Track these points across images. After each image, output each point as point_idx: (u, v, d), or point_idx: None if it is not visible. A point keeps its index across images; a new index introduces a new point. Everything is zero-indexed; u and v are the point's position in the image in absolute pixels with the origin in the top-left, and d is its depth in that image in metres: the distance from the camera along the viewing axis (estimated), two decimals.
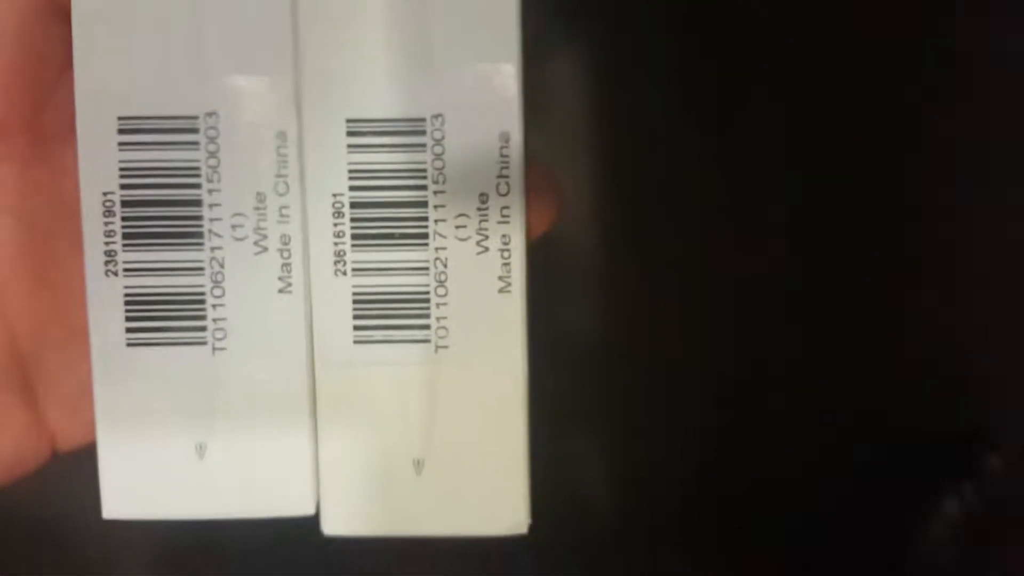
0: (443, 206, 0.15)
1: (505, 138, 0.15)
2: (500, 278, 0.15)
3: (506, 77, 0.15)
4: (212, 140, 0.15)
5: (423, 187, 0.15)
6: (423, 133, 0.15)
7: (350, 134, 0.15)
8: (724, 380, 0.36)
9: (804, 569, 0.37)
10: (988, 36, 0.35)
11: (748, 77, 0.35)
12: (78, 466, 0.16)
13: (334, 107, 0.15)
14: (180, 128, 0.15)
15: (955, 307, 0.35)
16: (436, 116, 0.15)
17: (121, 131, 0.15)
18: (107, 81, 0.15)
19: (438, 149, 0.15)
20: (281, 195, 0.15)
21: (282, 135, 0.15)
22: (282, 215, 0.15)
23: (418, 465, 0.15)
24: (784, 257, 0.36)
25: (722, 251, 0.36)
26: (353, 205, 0.15)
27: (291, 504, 0.15)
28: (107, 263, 0.15)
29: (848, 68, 0.35)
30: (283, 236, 0.15)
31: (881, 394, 0.35)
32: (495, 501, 0.15)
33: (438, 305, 0.15)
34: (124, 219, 0.15)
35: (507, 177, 0.15)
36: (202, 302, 0.15)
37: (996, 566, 0.36)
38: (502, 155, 0.15)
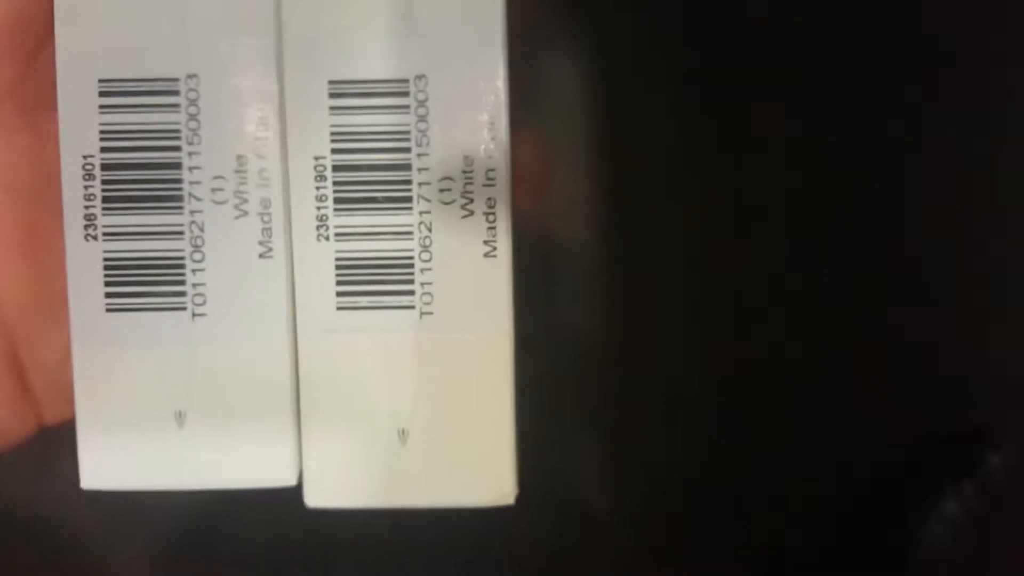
0: (427, 169, 0.15)
1: (490, 100, 0.15)
2: (485, 242, 0.15)
3: (491, 37, 0.15)
4: (193, 103, 0.15)
5: (407, 150, 0.15)
6: (406, 95, 0.15)
7: (332, 95, 0.15)
8: (724, 380, 0.36)
9: (804, 569, 0.36)
10: (988, 36, 0.35)
11: (747, 73, 0.35)
12: (58, 440, 0.16)
13: (316, 68, 0.15)
14: (161, 91, 0.15)
15: (955, 307, 0.35)
16: (419, 77, 0.15)
17: (102, 94, 0.15)
18: (88, 44, 0.15)
19: (421, 111, 0.15)
20: (262, 158, 0.15)
21: (263, 97, 0.15)
22: (263, 178, 0.15)
23: (403, 435, 0.15)
24: (784, 257, 0.35)
25: (721, 249, 0.35)
26: (336, 168, 0.15)
27: (273, 475, 0.15)
28: (87, 227, 0.15)
29: (848, 68, 0.35)
30: (264, 200, 0.15)
31: (881, 394, 0.35)
32: (481, 472, 0.15)
33: (422, 270, 0.15)
34: (104, 183, 0.15)
35: (492, 139, 0.15)
36: (182, 267, 0.15)
37: (996, 566, 0.35)
38: (488, 116, 0.15)
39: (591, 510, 0.36)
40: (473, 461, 0.15)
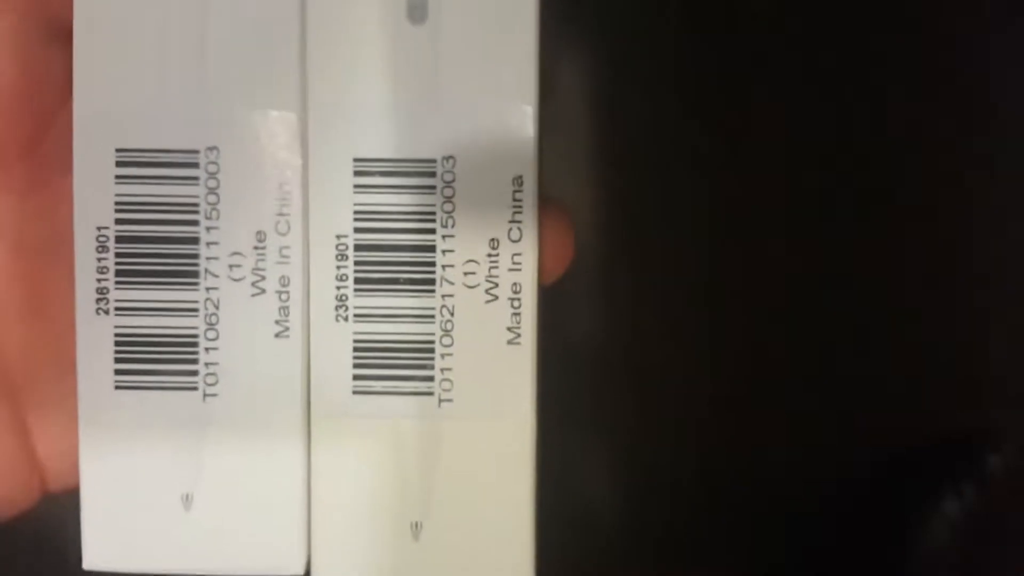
0: (451, 251, 0.14)
1: (519, 181, 0.14)
2: (509, 328, 0.14)
3: (522, 118, 0.14)
4: (212, 175, 0.14)
5: (431, 231, 0.14)
6: (433, 175, 0.14)
7: (357, 173, 0.14)
8: (723, 381, 0.36)
9: (804, 569, 0.36)
10: (988, 36, 0.35)
11: (748, 82, 0.35)
12: (63, 511, 0.15)
13: (341, 145, 0.14)
14: (180, 162, 0.14)
15: (955, 307, 0.35)
16: (447, 157, 0.14)
17: (119, 163, 0.14)
18: (106, 111, 0.14)
19: (448, 192, 0.14)
20: (282, 235, 0.14)
21: (286, 172, 0.14)
22: (282, 255, 0.14)
23: (416, 528, 0.14)
24: (784, 258, 0.36)
25: (721, 252, 0.36)
26: (357, 248, 0.14)
27: (280, 562, 0.14)
28: (98, 301, 0.14)
29: (849, 68, 0.35)
30: (282, 278, 0.14)
31: (881, 394, 0.35)
32: (498, 569, 0.14)
33: (443, 356, 0.14)
34: (118, 255, 0.14)
35: (519, 223, 0.14)
36: (195, 345, 0.14)
37: (996, 566, 0.36)
38: (515, 199, 0.14)
39: (590, 509, 0.36)
40: (489, 558, 0.14)
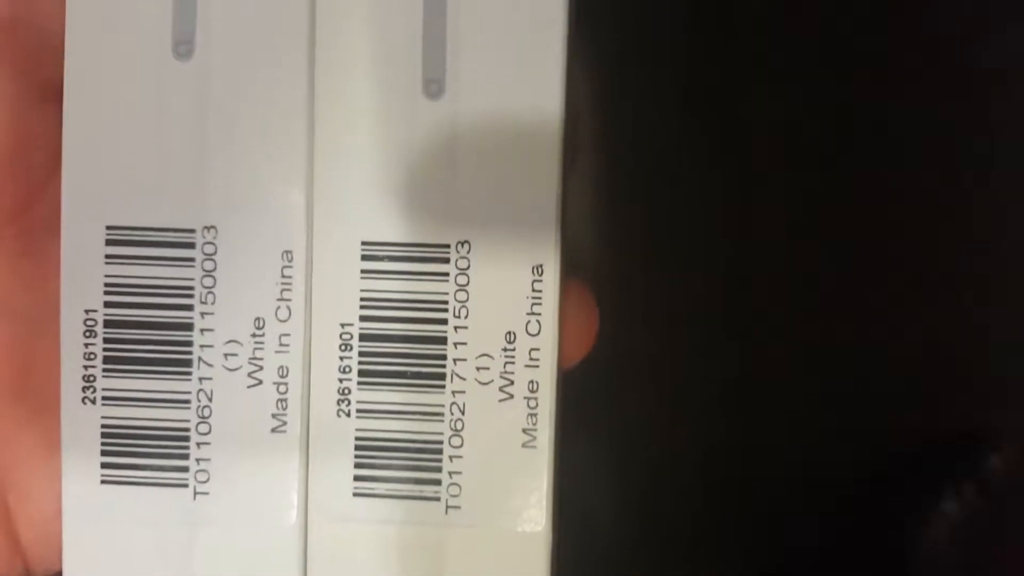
0: (464, 344, 0.13)
1: (539, 270, 0.13)
2: (525, 431, 0.13)
3: (545, 202, 0.13)
4: (209, 257, 0.13)
5: (443, 321, 0.13)
6: (447, 261, 0.13)
7: (365, 258, 0.13)
8: (723, 381, 0.35)
9: (804, 569, 0.36)
10: (988, 36, 0.34)
11: (747, 74, 0.35)
12: None
13: (348, 227, 0.13)
14: (174, 242, 0.13)
15: (955, 307, 0.35)
16: (462, 243, 0.13)
17: (109, 242, 0.13)
18: (97, 184, 0.13)
19: (462, 279, 0.13)
20: (282, 322, 0.13)
21: (288, 255, 0.13)
22: (281, 344, 0.13)
23: None
24: (784, 257, 0.35)
25: (721, 250, 0.35)
26: (363, 337, 0.13)
27: None
28: (85, 389, 0.13)
29: (848, 69, 0.35)
30: (281, 368, 0.13)
31: (881, 394, 0.35)
32: None
33: (452, 458, 0.13)
34: (106, 341, 0.13)
35: (538, 315, 0.13)
36: (186, 439, 0.13)
37: (996, 566, 0.35)
38: (534, 290, 0.13)
39: (590, 509, 0.35)
40: None
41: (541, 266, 0.13)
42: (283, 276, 0.13)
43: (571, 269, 0.14)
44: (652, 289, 0.35)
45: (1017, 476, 0.35)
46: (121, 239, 0.13)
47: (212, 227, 0.13)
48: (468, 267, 0.13)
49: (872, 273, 0.35)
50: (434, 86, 0.13)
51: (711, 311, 0.36)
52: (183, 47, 0.13)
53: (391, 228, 0.13)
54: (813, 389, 0.35)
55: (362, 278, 0.13)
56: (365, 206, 0.13)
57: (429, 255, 0.13)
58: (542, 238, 0.13)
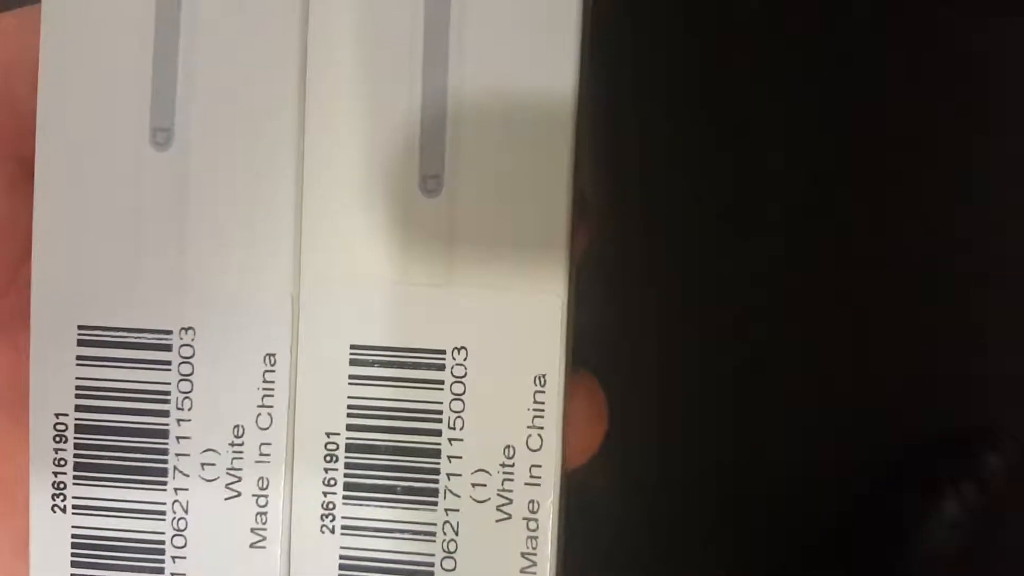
0: (459, 457, 0.12)
1: (541, 380, 0.12)
2: (524, 555, 0.12)
3: (549, 309, 0.12)
4: (186, 360, 0.12)
5: (437, 432, 0.12)
6: (442, 368, 0.12)
7: (354, 363, 0.12)
8: (723, 380, 0.35)
9: (804, 569, 0.36)
10: (988, 36, 0.34)
11: (747, 74, 0.34)
12: None
13: (336, 331, 0.12)
14: (150, 344, 0.12)
15: (955, 307, 0.35)
16: (459, 348, 0.12)
17: (80, 343, 0.12)
18: (68, 280, 0.12)
19: (458, 388, 0.12)
20: (263, 430, 0.12)
21: (271, 359, 0.12)
22: (262, 454, 0.12)
23: None
24: (784, 257, 0.35)
25: (721, 250, 0.35)
26: (349, 448, 0.12)
27: None
28: (55, 497, 0.12)
29: (849, 69, 0.34)
30: (261, 480, 0.12)
31: (881, 394, 0.35)
32: None
33: None
34: (77, 447, 0.12)
35: (540, 428, 0.12)
36: (160, 552, 0.12)
37: (996, 566, 0.35)
38: (536, 401, 0.12)
39: (591, 510, 0.35)
40: None
41: (543, 376, 0.12)
42: (265, 381, 0.12)
43: (579, 363, 0.13)
44: (664, 384, 0.35)
45: (1017, 476, 0.35)
46: (93, 340, 0.12)
47: (190, 328, 0.12)
48: (465, 375, 0.12)
49: (872, 272, 0.35)
50: (432, 182, 0.12)
51: (720, 394, 0.35)
52: (161, 135, 0.12)
53: (382, 331, 0.12)
54: (813, 389, 0.35)
55: (350, 384, 0.12)
56: (355, 307, 0.12)
57: (423, 361, 0.12)
58: (545, 346, 0.12)
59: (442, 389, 0.12)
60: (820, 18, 0.34)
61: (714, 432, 0.35)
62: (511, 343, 0.12)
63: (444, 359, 0.12)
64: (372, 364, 0.12)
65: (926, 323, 0.35)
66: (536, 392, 0.12)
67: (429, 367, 0.12)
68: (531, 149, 0.12)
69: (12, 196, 0.13)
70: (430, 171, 0.12)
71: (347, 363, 0.12)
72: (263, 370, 0.12)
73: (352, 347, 0.12)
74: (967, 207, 0.35)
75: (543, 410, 0.12)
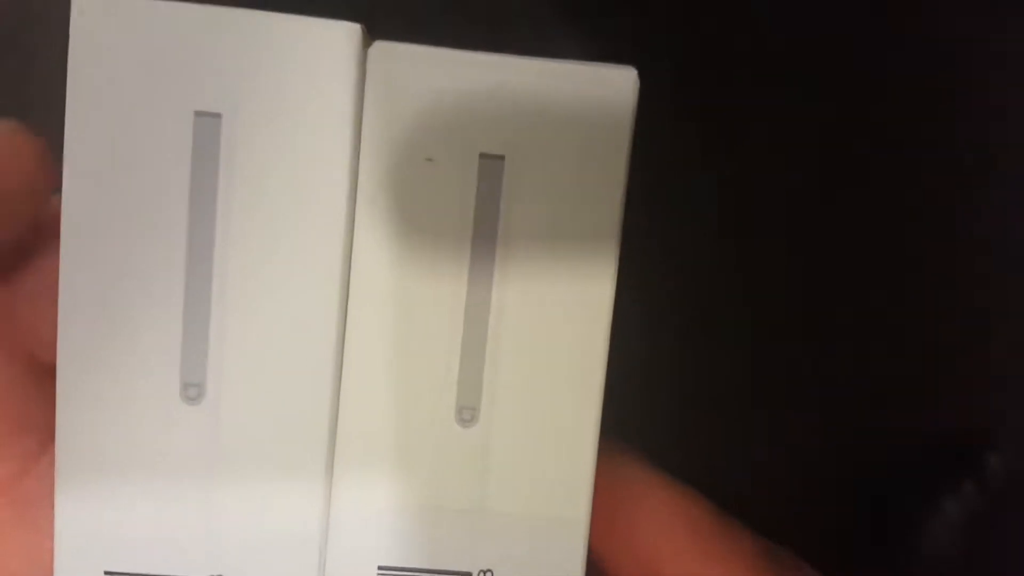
0: None
1: None
2: None
3: (573, 535, 0.12)
4: None
5: None
6: None
7: None
8: (723, 380, 0.35)
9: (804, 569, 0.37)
10: (989, 36, 0.34)
11: (747, 74, 0.33)
12: None
13: (364, 550, 0.12)
14: None
15: (955, 307, 0.35)
16: (485, 572, 0.13)
17: None
18: (95, 525, 0.12)
19: None
20: None
21: None
22: None
23: None
24: (785, 258, 0.35)
25: (720, 251, 0.35)
26: None
27: None
28: None
29: (849, 68, 0.34)
30: None
31: (881, 394, 0.35)
32: None
33: None
34: None
35: None
36: None
37: (996, 566, 0.36)
38: None
39: None
40: None
41: None
42: None
43: None
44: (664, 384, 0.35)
45: (1017, 476, 0.35)
46: None
47: None
48: None
49: (872, 272, 0.35)
50: (468, 413, 0.12)
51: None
52: (193, 390, 0.12)
53: (410, 553, 0.12)
54: (813, 390, 0.35)
55: None
56: (384, 528, 0.12)
57: None
58: (568, 566, 0.12)
59: None
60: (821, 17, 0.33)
61: (712, 432, 0.35)
62: (537, 565, 0.12)
63: None
64: None
65: (927, 323, 0.35)
66: None
67: None
68: (566, 389, 0.12)
69: (26, 394, 0.13)
70: (466, 402, 0.12)
71: None
72: None
73: (379, 568, 0.12)
74: (968, 207, 0.35)
75: None
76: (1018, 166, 0.34)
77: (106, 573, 0.12)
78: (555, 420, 0.12)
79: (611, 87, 0.12)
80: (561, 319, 0.12)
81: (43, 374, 0.13)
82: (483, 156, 0.12)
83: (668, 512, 0.14)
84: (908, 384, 0.35)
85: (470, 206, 0.12)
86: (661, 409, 0.35)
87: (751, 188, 0.34)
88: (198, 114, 0.11)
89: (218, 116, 0.11)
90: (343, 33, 0.11)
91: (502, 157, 0.12)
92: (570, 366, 0.12)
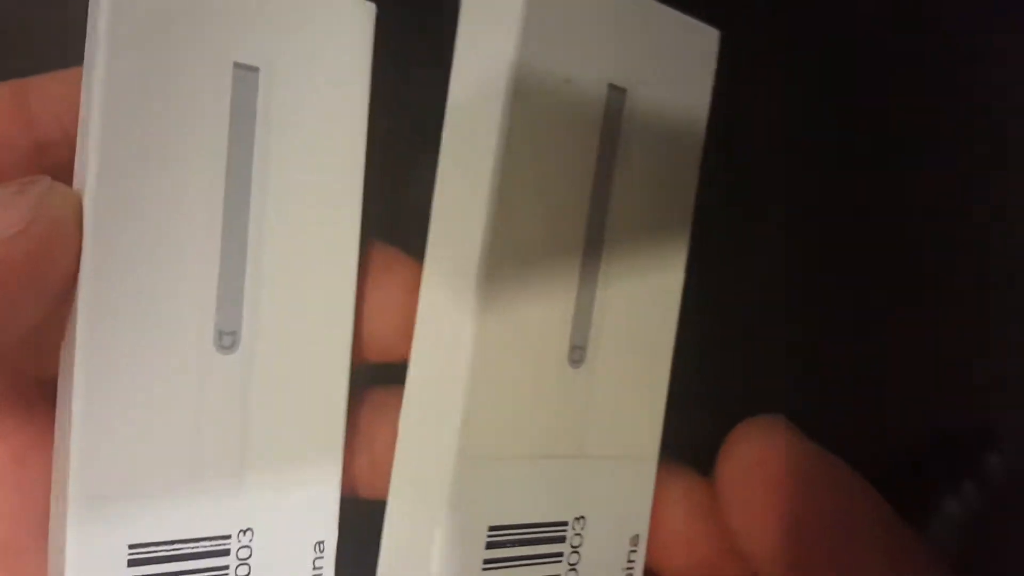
0: None
1: (635, 541, 0.12)
2: None
3: (646, 474, 0.12)
4: (244, 562, 0.11)
5: None
6: (562, 540, 0.12)
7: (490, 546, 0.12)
8: (723, 380, 0.33)
9: None
10: (989, 36, 0.33)
11: (747, 74, 0.34)
12: None
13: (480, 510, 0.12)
14: (208, 552, 0.11)
15: (955, 307, 0.34)
16: (579, 519, 0.12)
17: (132, 562, 0.11)
18: (115, 495, 0.11)
19: (574, 558, 0.12)
20: None
21: (320, 546, 0.12)
22: None
23: None
24: (784, 257, 0.34)
25: (721, 250, 0.35)
26: None
27: None
28: None
29: (849, 68, 0.34)
30: None
31: (881, 394, 0.34)
32: None
33: None
34: None
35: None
36: None
37: (996, 566, 0.34)
38: (628, 560, 0.12)
39: None
40: None
41: (637, 536, 0.12)
42: (315, 568, 0.12)
43: None
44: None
45: (1017, 476, 0.34)
46: (145, 557, 0.11)
47: (248, 529, 0.11)
48: (580, 544, 0.12)
49: (872, 272, 0.34)
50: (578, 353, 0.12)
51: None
52: (227, 338, 0.11)
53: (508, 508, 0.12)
54: (813, 389, 0.34)
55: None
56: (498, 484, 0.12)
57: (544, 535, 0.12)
58: (640, 509, 0.12)
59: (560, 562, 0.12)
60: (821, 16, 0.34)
61: (712, 432, 0.35)
62: (621, 508, 0.12)
63: (565, 531, 0.12)
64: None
65: (926, 323, 0.34)
66: (630, 552, 0.12)
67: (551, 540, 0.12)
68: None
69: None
70: (578, 342, 0.12)
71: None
72: (313, 558, 0.12)
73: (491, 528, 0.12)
74: (968, 207, 0.34)
75: (632, 570, 0.12)
76: (1018, 166, 0.34)
77: (131, 547, 0.11)
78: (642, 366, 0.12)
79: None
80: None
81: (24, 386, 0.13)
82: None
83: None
84: (908, 384, 0.34)
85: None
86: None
87: (749, 186, 0.34)
88: (237, 66, 0.11)
89: (256, 70, 0.12)
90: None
91: None
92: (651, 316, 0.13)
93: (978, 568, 0.33)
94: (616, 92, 0.12)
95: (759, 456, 0.12)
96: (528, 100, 0.11)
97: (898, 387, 0.35)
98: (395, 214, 0.13)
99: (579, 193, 0.12)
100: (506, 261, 0.11)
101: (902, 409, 0.35)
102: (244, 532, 0.11)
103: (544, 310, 0.12)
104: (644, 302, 0.13)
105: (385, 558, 0.12)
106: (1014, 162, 0.34)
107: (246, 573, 0.11)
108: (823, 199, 0.35)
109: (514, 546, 0.12)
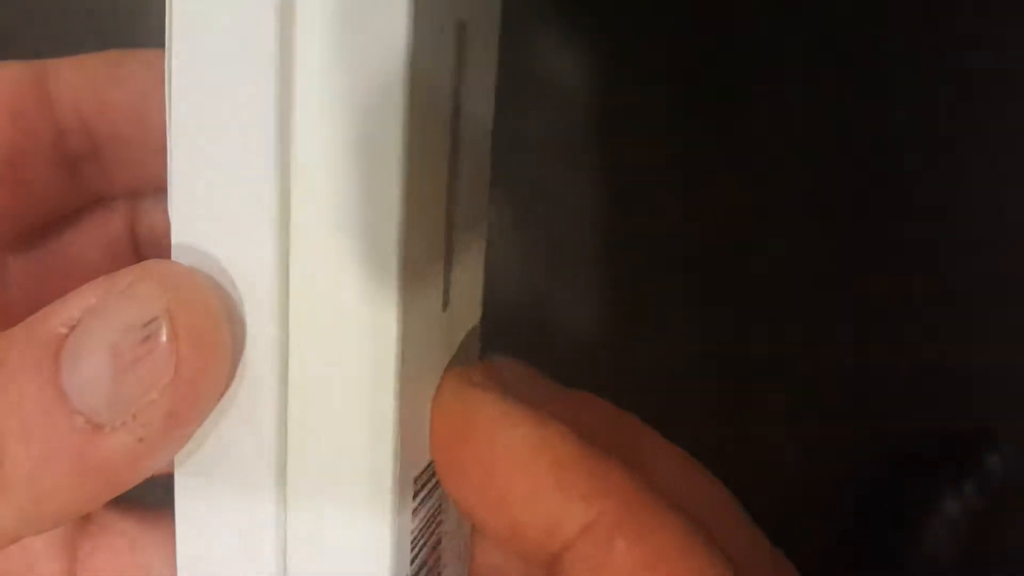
0: None
1: None
2: None
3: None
4: None
5: None
6: None
7: None
8: (723, 380, 0.35)
9: (804, 569, 0.36)
10: (990, 36, 0.34)
11: (747, 74, 0.34)
12: None
13: None
14: None
15: (955, 307, 0.35)
16: None
17: None
18: None
19: None
20: None
21: None
22: None
23: None
24: (784, 257, 0.35)
25: (720, 250, 0.35)
26: None
27: None
28: None
29: (849, 69, 0.34)
30: None
31: (881, 394, 0.35)
32: None
33: None
34: None
35: None
36: None
37: (996, 566, 0.35)
38: None
39: None
40: None
41: None
42: None
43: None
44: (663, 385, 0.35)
45: (1017, 476, 0.35)
46: None
47: None
48: None
49: (872, 272, 0.35)
50: None
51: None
52: None
53: None
54: (813, 389, 0.35)
55: None
56: None
57: None
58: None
59: None
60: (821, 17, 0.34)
61: (712, 432, 0.34)
62: None
63: None
64: None
65: (926, 323, 0.35)
66: None
67: None
68: None
69: None
70: None
71: None
72: None
73: None
74: (968, 207, 0.35)
75: None
76: (1018, 166, 0.35)
77: None
78: None
79: None
80: None
81: None
82: None
83: (527, 448, 0.12)
84: (908, 384, 0.35)
85: None
86: (655, 408, 0.35)
87: (750, 186, 0.35)
88: None
89: None
90: None
91: None
92: None
93: (978, 568, 0.35)
94: None
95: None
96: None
97: (898, 387, 0.35)
98: None
99: None
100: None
101: (902, 409, 0.35)
102: None
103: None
104: None
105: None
106: (1014, 162, 0.35)
107: None
108: (823, 199, 0.35)
109: None
